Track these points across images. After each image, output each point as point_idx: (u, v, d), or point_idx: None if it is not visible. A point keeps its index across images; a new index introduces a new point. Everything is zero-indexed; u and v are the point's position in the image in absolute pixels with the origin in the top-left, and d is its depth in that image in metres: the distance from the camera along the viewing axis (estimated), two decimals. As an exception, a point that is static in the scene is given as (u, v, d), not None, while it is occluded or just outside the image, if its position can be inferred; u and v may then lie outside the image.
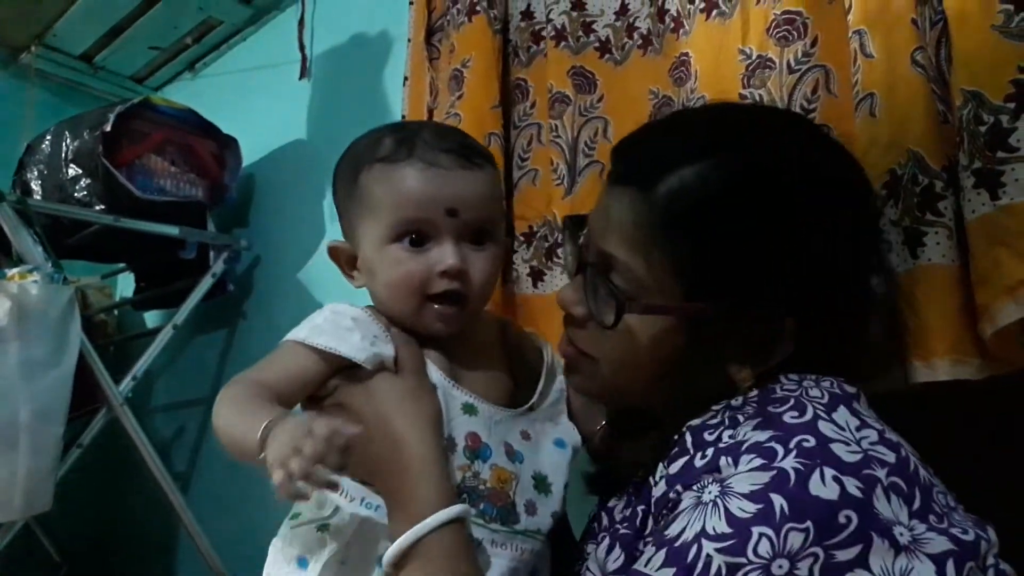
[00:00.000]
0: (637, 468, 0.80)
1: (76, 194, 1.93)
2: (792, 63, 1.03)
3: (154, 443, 1.93)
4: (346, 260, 0.83)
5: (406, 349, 0.77)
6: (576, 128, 1.28)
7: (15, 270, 1.67)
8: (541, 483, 0.79)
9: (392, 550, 0.67)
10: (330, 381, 0.77)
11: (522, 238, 1.34)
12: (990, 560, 0.58)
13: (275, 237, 2.20)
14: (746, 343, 0.69)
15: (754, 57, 1.06)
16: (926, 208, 0.85)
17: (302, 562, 0.76)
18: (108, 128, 1.92)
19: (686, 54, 1.16)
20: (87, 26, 2.41)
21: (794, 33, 1.04)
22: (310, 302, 2.04)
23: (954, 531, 0.57)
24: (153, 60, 2.60)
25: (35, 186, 1.99)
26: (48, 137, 2.02)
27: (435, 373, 0.78)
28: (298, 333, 0.76)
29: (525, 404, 0.84)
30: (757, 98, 1.04)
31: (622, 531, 0.70)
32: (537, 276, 1.31)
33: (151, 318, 2.56)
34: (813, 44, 1.02)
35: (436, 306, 0.76)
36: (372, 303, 0.84)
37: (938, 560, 0.55)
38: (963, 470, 0.69)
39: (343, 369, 0.75)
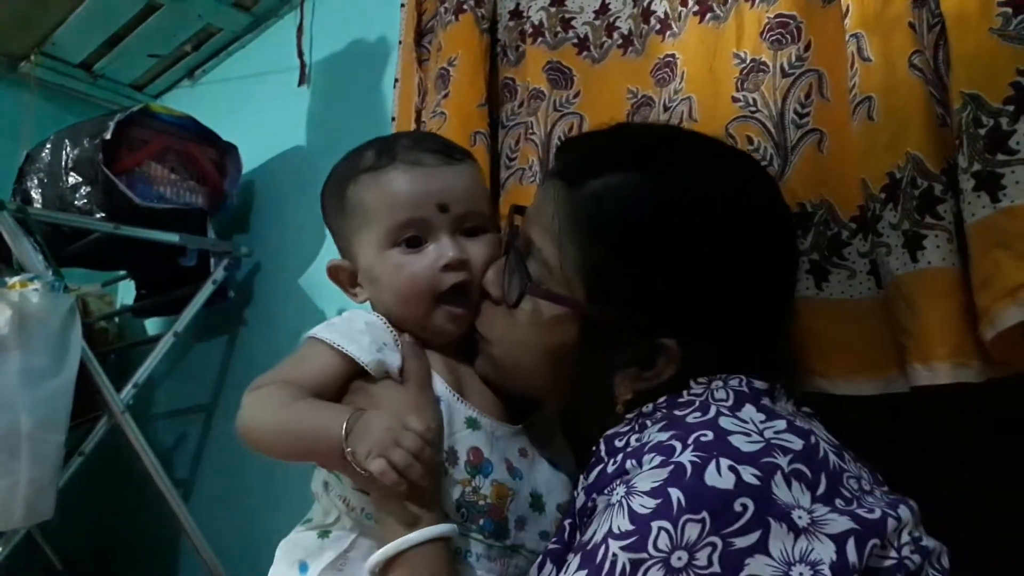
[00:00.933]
0: None
1: (76, 202, 1.93)
2: (785, 67, 1.03)
3: (155, 450, 1.93)
4: (346, 278, 0.84)
5: (413, 360, 0.77)
6: (550, 123, 1.27)
7: (16, 279, 1.68)
8: (536, 501, 0.79)
9: (375, 557, 0.68)
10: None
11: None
12: (904, 537, 0.59)
13: (275, 244, 2.20)
14: (631, 355, 0.71)
15: (748, 61, 1.06)
16: (925, 211, 0.84)
17: (303, 567, 0.76)
18: (108, 136, 1.92)
19: (672, 55, 1.15)
20: (86, 34, 2.42)
21: (787, 37, 1.04)
22: (311, 308, 2.04)
23: (859, 511, 0.58)
24: (152, 68, 2.62)
25: (35, 194, 1.99)
26: (48, 145, 2.02)
27: (440, 385, 0.78)
28: (313, 330, 0.77)
29: (522, 420, 0.84)
30: (751, 101, 1.04)
31: (551, 546, 0.71)
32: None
33: (152, 325, 2.56)
34: (807, 48, 1.02)
35: (446, 307, 0.77)
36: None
37: (838, 539, 0.56)
38: (963, 471, 0.69)
39: (356, 376, 0.76)
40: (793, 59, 1.02)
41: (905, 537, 0.59)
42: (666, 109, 1.13)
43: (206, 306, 2.11)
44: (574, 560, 0.60)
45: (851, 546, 0.56)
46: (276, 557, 0.80)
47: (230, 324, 2.30)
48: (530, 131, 1.28)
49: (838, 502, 0.59)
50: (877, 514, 0.59)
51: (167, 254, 2.08)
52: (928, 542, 0.61)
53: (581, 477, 0.70)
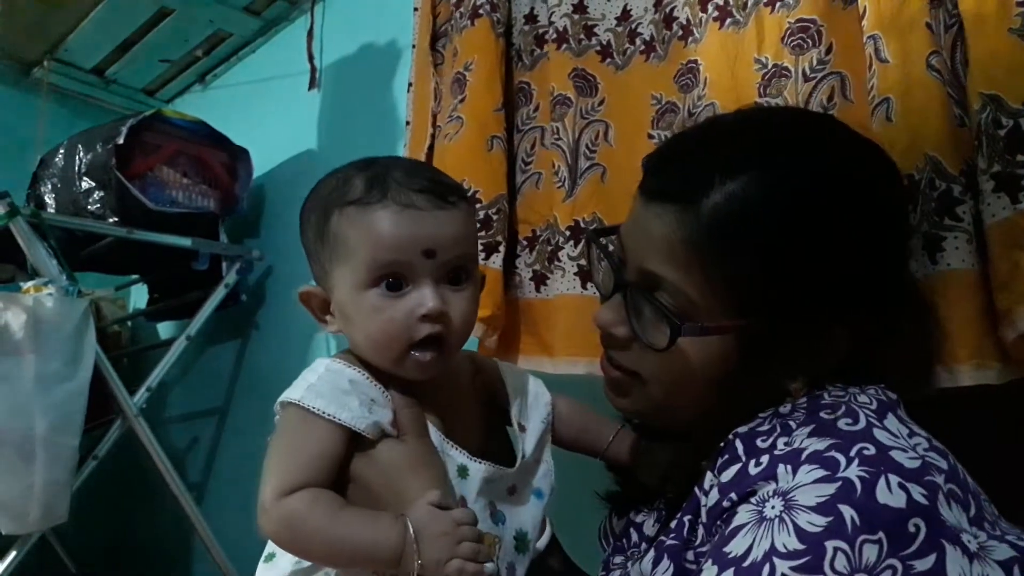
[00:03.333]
0: (664, 482, 0.79)
1: (90, 207, 1.95)
2: (807, 71, 1.03)
3: (168, 453, 1.94)
4: (318, 305, 0.79)
5: (408, 412, 0.74)
6: (577, 130, 1.28)
7: (30, 283, 1.69)
8: (521, 541, 0.78)
9: None
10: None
11: (525, 242, 1.33)
12: None
13: (287, 247, 2.20)
14: (799, 355, 0.68)
15: (770, 66, 1.06)
16: (944, 213, 0.84)
17: None
18: (121, 141, 1.93)
19: (694, 61, 1.15)
20: (98, 40, 2.44)
21: (808, 41, 1.03)
22: (322, 312, 2.04)
23: (1009, 538, 0.56)
24: (164, 73, 2.63)
25: (49, 200, 2.01)
26: (61, 151, 2.04)
27: (435, 434, 0.75)
28: (294, 393, 0.73)
29: (504, 455, 0.81)
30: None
31: (668, 542, 0.68)
32: (540, 280, 1.30)
33: (164, 329, 2.57)
34: (828, 51, 1.01)
35: (415, 354, 0.73)
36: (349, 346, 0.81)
37: (1006, 566, 0.54)
38: (988, 475, 0.68)
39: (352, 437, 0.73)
40: (815, 63, 1.01)
41: None
42: (691, 115, 1.13)
43: (218, 310, 2.12)
44: (723, 575, 0.56)
45: (1017, 573, 0.54)
46: None
47: (242, 327, 2.31)
48: (555, 136, 1.28)
49: (987, 525, 0.57)
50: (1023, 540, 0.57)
51: (179, 258, 2.09)
52: None
53: (709, 473, 0.67)
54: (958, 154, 0.85)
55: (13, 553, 1.65)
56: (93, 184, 1.96)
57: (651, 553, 0.70)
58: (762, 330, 0.67)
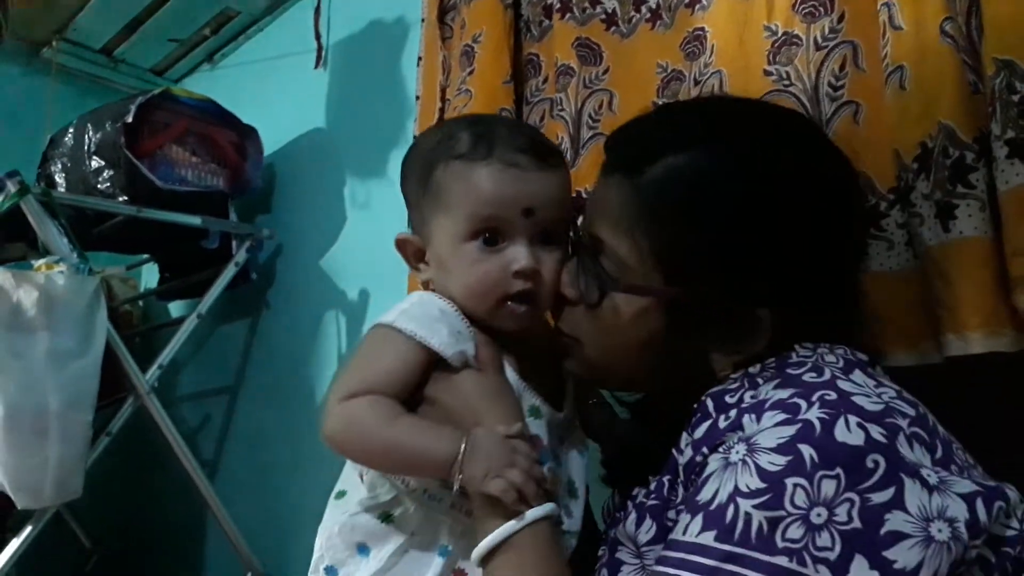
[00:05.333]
0: (649, 457, 0.81)
1: (99, 186, 1.94)
2: (819, 39, 1.02)
3: (181, 431, 1.94)
4: (413, 253, 0.84)
5: (487, 349, 0.78)
6: (580, 100, 1.27)
7: (42, 261, 1.69)
8: (571, 488, 0.80)
9: (484, 544, 0.68)
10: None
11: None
12: (1021, 511, 0.59)
13: (296, 225, 2.21)
14: (723, 331, 0.71)
15: (780, 34, 1.05)
16: (957, 180, 0.83)
17: (363, 550, 0.77)
18: (130, 119, 1.93)
19: (701, 29, 1.15)
20: (107, 20, 2.43)
21: (820, 9, 1.02)
22: (333, 290, 2.05)
23: (976, 478, 0.58)
24: (172, 52, 2.62)
25: (59, 179, 2.00)
26: (71, 130, 2.03)
27: (510, 373, 0.79)
28: (387, 317, 0.76)
29: (563, 408, 0.84)
30: (784, 75, 1.03)
31: (649, 503, 0.70)
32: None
33: (176, 309, 2.58)
34: (840, 19, 1.01)
35: (510, 304, 0.77)
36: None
37: (967, 499, 0.56)
38: (999, 441, 0.68)
39: (435, 362, 0.76)
40: (827, 31, 1.01)
41: (1021, 511, 0.59)
42: (696, 83, 1.12)
43: (229, 288, 2.12)
44: (693, 520, 0.59)
45: (980, 506, 0.55)
46: (322, 541, 0.79)
47: (253, 306, 2.31)
48: (559, 107, 1.28)
49: (953, 468, 0.58)
50: (993, 483, 0.58)
51: (189, 237, 2.08)
52: None
53: (684, 433, 0.69)
54: (972, 121, 0.84)
55: (29, 528, 1.66)
56: (103, 163, 1.95)
57: (633, 514, 0.72)
58: (685, 300, 0.71)
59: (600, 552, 0.80)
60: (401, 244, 0.84)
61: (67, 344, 1.64)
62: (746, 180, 0.69)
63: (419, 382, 0.76)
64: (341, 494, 0.81)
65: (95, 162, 1.96)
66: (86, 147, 1.97)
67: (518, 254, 0.76)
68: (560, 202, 0.79)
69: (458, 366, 0.75)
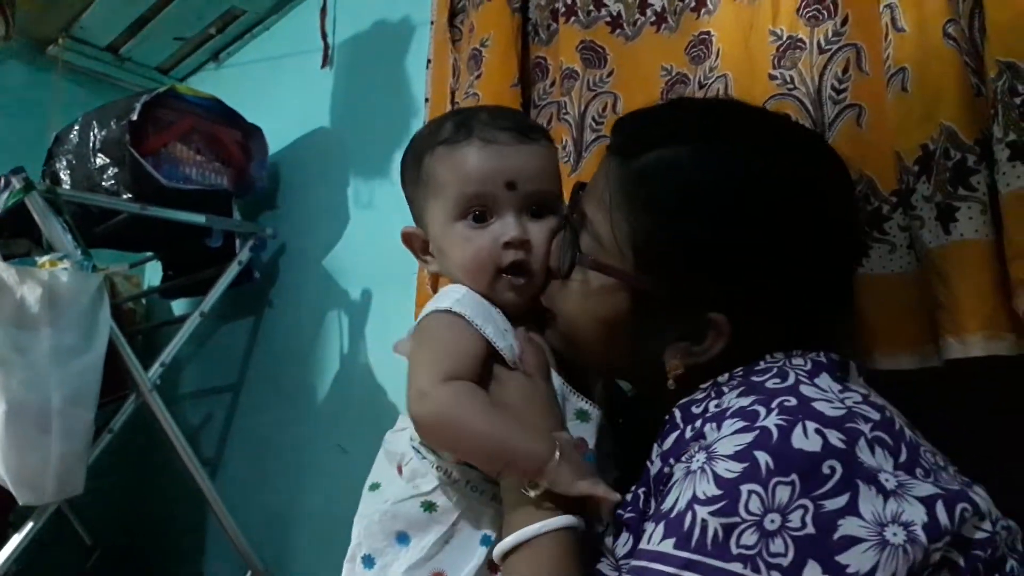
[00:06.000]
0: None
1: (104, 183, 1.95)
2: (823, 43, 1.02)
3: (183, 429, 1.95)
4: (419, 246, 0.86)
5: (533, 353, 0.78)
6: (584, 103, 1.27)
7: (46, 258, 1.70)
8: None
9: (506, 543, 0.69)
10: None
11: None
12: (995, 514, 0.59)
13: (300, 225, 2.21)
14: (681, 330, 0.71)
15: (784, 38, 1.05)
16: (958, 183, 0.83)
17: (403, 538, 0.77)
18: (135, 117, 1.93)
19: (707, 33, 1.15)
20: (113, 18, 2.44)
21: (824, 12, 1.02)
22: (335, 290, 2.05)
23: (940, 482, 0.58)
24: (178, 51, 2.63)
25: (64, 176, 2.01)
26: (76, 127, 2.04)
27: (556, 378, 0.79)
28: (442, 302, 0.77)
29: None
30: (788, 79, 1.03)
31: (627, 516, 0.70)
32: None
33: (179, 307, 2.58)
34: (844, 23, 1.00)
35: (506, 277, 0.79)
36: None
37: (926, 502, 0.56)
38: (998, 444, 0.68)
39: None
40: (830, 34, 1.00)
41: (996, 514, 0.59)
42: (701, 87, 1.12)
43: (232, 287, 2.12)
44: (656, 529, 0.59)
45: (940, 508, 0.56)
46: (360, 530, 0.80)
47: (255, 305, 2.31)
48: (563, 111, 1.28)
49: (918, 471, 0.59)
50: (957, 487, 0.58)
51: (193, 235, 2.09)
52: (1010, 523, 0.61)
53: (656, 445, 0.70)
54: (974, 124, 0.84)
55: (30, 524, 1.67)
56: (107, 160, 1.96)
57: (611, 528, 0.72)
58: (648, 288, 0.71)
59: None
60: (407, 238, 0.87)
61: (70, 341, 1.64)
62: (730, 186, 0.70)
63: (484, 374, 0.76)
64: (375, 486, 0.82)
65: (100, 159, 1.96)
66: (91, 144, 1.98)
67: (506, 226, 0.78)
68: (544, 173, 0.81)
69: (509, 361, 0.77)
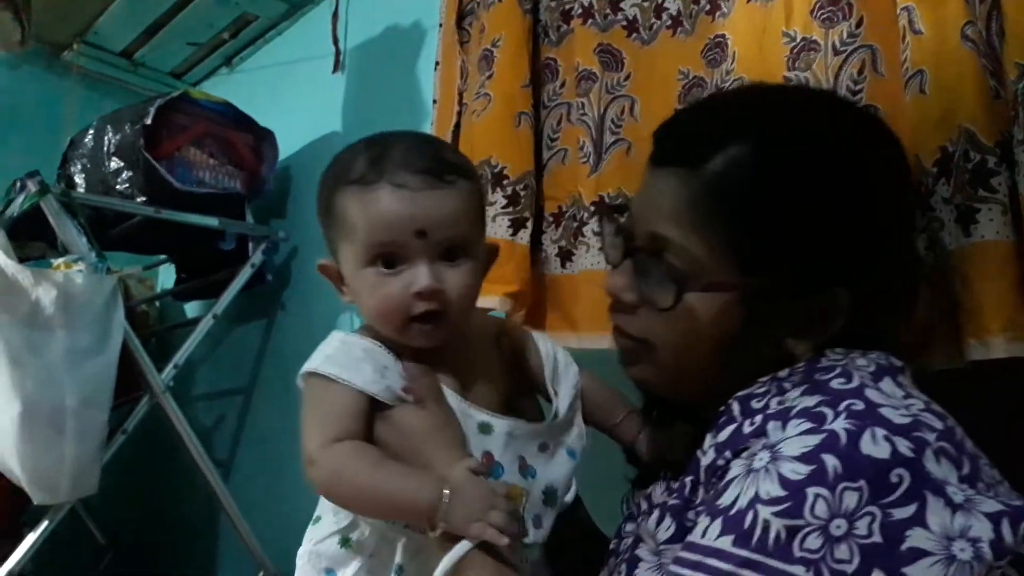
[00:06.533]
0: (665, 461, 0.81)
1: (118, 186, 1.96)
2: (837, 44, 1.02)
3: (195, 431, 1.96)
4: (335, 276, 0.81)
5: (422, 380, 0.77)
6: (603, 105, 1.27)
7: (61, 260, 1.71)
8: (550, 496, 0.79)
9: (442, 567, 0.68)
10: None
11: (551, 218, 1.34)
12: None
13: (312, 228, 2.17)
14: (803, 315, 0.69)
15: (798, 40, 1.05)
16: (978, 184, 0.83)
17: (330, 574, 0.78)
18: (149, 121, 1.95)
19: (722, 36, 1.15)
20: (127, 23, 2.47)
21: (839, 14, 1.02)
22: (347, 292, 2.05)
23: (1002, 497, 0.56)
24: (191, 56, 2.65)
25: (79, 179, 2.03)
26: (91, 131, 2.06)
27: (451, 396, 0.78)
28: (312, 363, 0.76)
29: (533, 414, 0.84)
30: (802, 81, 1.03)
31: (671, 502, 0.70)
32: (565, 256, 1.31)
33: (192, 310, 2.59)
34: (859, 24, 1.01)
35: (418, 325, 0.76)
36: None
37: (993, 519, 0.54)
38: (1021, 446, 0.68)
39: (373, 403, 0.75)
40: (845, 36, 1.01)
41: None
42: (718, 90, 1.12)
43: (244, 290, 2.13)
44: (712, 524, 0.58)
45: (1006, 526, 0.54)
46: (298, 567, 0.81)
47: (268, 308, 2.33)
48: (580, 111, 1.28)
49: (980, 485, 0.57)
50: (1019, 503, 0.56)
51: (206, 238, 2.11)
52: None
53: (708, 435, 0.68)
54: (993, 126, 0.84)
55: (45, 523, 1.68)
56: (121, 164, 1.97)
57: (655, 513, 0.71)
58: (764, 288, 0.69)
59: (617, 545, 0.80)
60: (323, 270, 0.83)
61: (84, 342, 1.65)
62: (810, 161, 0.68)
63: (368, 423, 0.75)
64: (316, 520, 0.82)
65: (114, 163, 1.98)
66: (105, 148, 2.00)
67: (416, 276, 0.74)
68: (457, 219, 0.76)
69: (390, 403, 0.74)
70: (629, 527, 0.82)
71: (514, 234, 1.30)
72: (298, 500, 2.06)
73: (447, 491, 0.68)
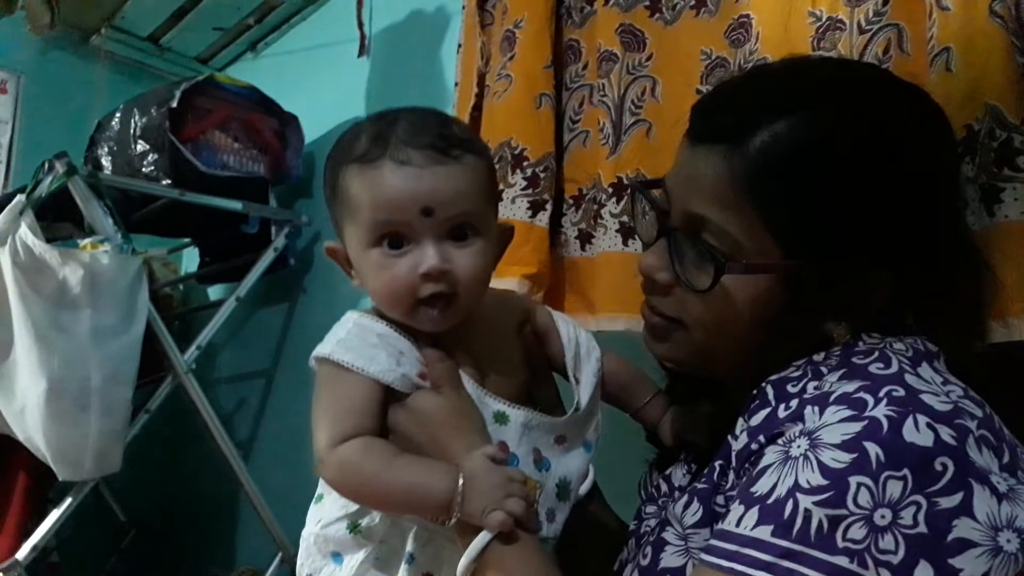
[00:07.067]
0: (693, 442, 0.80)
1: (144, 169, 1.99)
2: (863, 23, 1.00)
3: (217, 413, 1.98)
4: (343, 259, 0.79)
5: (440, 366, 0.75)
6: (623, 86, 1.26)
7: (87, 240, 1.73)
8: (563, 490, 0.78)
9: (461, 566, 0.67)
10: None
11: (571, 201, 1.33)
12: None
13: None
14: (843, 299, 0.67)
15: (824, 19, 1.04)
16: (1004, 163, 0.82)
17: (337, 557, 0.77)
18: (174, 104, 1.97)
19: (746, 16, 1.13)
20: (154, 9, 2.49)
21: (866, -8, 1.01)
22: (368, 277, 2.06)
23: None
24: (216, 41, 2.68)
25: (105, 162, 2.05)
26: (118, 115, 2.08)
27: (468, 383, 0.76)
28: (325, 348, 0.74)
29: (551, 404, 0.83)
30: (826, 60, 1.02)
31: (700, 486, 0.69)
32: (585, 239, 1.30)
33: (215, 293, 2.62)
34: (885, 2, 0.99)
35: (426, 308, 0.73)
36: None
37: None
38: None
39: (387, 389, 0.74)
40: (871, 14, 0.99)
41: None
42: (741, 70, 1.11)
43: (267, 273, 2.15)
44: (748, 513, 0.57)
45: None
46: (303, 549, 0.80)
47: (290, 291, 2.34)
48: (600, 93, 1.27)
49: (1020, 474, 0.56)
50: None
51: (230, 221, 2.12)
52: None
53: (740, 419, 0.67)
54: (1020, 103, 0.83)
55: (69, 499, 1.71)
56: (147, 147, 2.00)
57: (684, 498, 0.70)
58: (805, 270, 0.66)
59: (637, 527, 0.80)
60: (331, 253, 0.80)
61: (110, 321, 1.68)
62: (856, 139, 0.65)
63: (382, 411, 0.73)
64: (319, 498, 0.81)
65: (140, 146, 2.00)
66: (132, 131, 2.02)
67: (423, 256, 0.71)
68: (464, 195, 0.72)
69: (406, 391, 0.73)
70: (650, 509, 0.81)
71: (533, 216, 1.29)
72: (317, 483, 2.08)
73: (462, 480, 0.67)
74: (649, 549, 0.71)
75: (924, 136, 0.69)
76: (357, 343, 0.73)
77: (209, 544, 2.51)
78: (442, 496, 0.67)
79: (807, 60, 0.84)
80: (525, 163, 1.30)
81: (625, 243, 1.22)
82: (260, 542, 2.07)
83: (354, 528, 0.76)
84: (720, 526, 0.59)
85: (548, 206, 1.30)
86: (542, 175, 1.30)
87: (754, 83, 0.75)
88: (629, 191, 0.86)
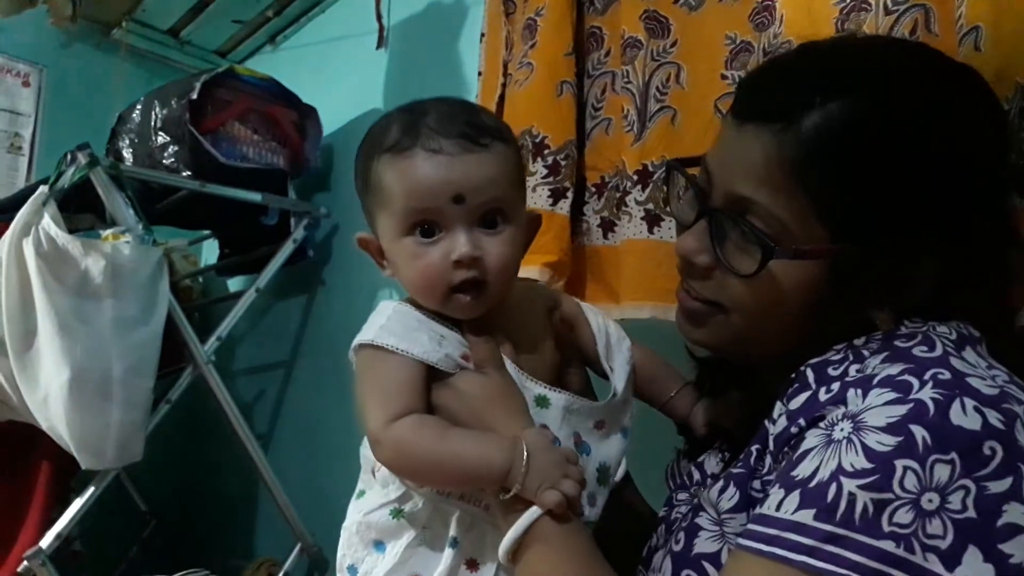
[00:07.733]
0: (727, 430, 0.79)
1: (164, 160, 2.00)
2: (889, 4, 0.99)
3: (237, 404, 1.98)
4: (375, 250, 0.80)
5: (482, 346, 0.75)
6: (648, 73, 1.25)
7: (109, 231, 1.74)
8: (603, 474, 0.78)
9: (506, 541, 0.67)
10: None
11: (593, 189, 1.33)
12: None
13: (354, 205, 2.18)
14: (889, 283, 0.66)
15: (849, 0, 1.02)
16: (1035, 144, 0.80)
17: (379, 546, 0.77)
18: (194, 96, 1.98)
19: (771, -1, 1.13)
20: (174, 2, 2.52)
21: (892, -27, 0.99)
22: (387, 269, 2.06)
23: None
24: (236, 34, 2.69)
25: (127, 153, 2.07)
26: (138, 107, 2.09)
27: (510, 366, 0.76)
28: (366, 334, 0.75)
29: (585, 390, 0.83)
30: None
31: (735, 471, 0.68)
32: (608, 227, 1.30)
33: (234, 285, 2.63)
34: (913, -18, 0.98)
35: (459, 295, 0.74)
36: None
37: None
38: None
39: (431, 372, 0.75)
40: (898, -6, 0.98)
41: None
42: (766, 54, 1.10)
43: (286, 265, 2.16)
44: (788, 497, 0.56)
45: None
46: (343, 540, 0.81)
47: (309, 283, 2.35)
48: (625, 79, 1.26)
49: None
50: None
51: (249, 213, 2.13)
52: None
53: (779, 403, 0.66)
54: (1052, 82, 0.81)
55: (91, 488, 1.72)
56: (168, 139, 2.01)
57: (719, 483, 0.69)
58: (854, 255, 0.65)
59: (668, 513, 0.79)
60: (363, 244, 0.81)
61: (131, 311, 1.69)
62: (908, 125, 0.64)
63: (428, 393, 0.74)
64: (360, 494, 0.81)
65: (161, 138, 2.01)
66: (152, 123, 2.03)
67: (455, 243, 0.72)
68: (496, 183, 0.74)
69: (450, 371, 0.74)
70: (682, 496, 0.81)
71: (554, 204, 1.29)
72: (336, 475, 2.09)
73: (525, 453, 0.67)
74: (682, 535, 0.70)
75: (978, 118, 0.67)
76: (399, 328, 0.75)
77: (228, 535, 2.52)
78: (501, 467, 0.67)
79: (855, 39, 0.83)
80: (546, 151, 1.29)
81: (651, 231, 1.21)
82: (279, 533, 2.08)
83: (398, 513, 0.76)
84: (759, 511, 0.58)
85: (569, 194, 1.29)
86: (563, 163, 1.29)
87: (806, 62, 0.72)
88: (665, 169, 0.85)
